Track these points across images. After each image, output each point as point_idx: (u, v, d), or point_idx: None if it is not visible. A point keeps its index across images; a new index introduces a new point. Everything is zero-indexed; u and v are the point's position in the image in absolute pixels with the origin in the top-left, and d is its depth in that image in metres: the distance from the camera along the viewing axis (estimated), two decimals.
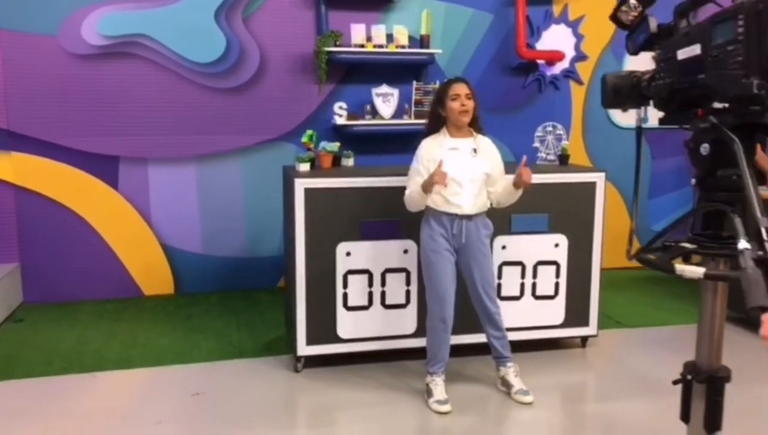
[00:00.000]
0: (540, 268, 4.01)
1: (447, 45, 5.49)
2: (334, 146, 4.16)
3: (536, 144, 4.38)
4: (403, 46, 5.23)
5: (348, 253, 3.76)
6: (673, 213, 5.93)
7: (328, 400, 3.54)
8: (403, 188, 3.43)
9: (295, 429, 3.37)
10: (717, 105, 1.54)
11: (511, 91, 5.69)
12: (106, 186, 5.10)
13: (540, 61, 5.70)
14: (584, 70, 5.83)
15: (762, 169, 4.12)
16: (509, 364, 3.57)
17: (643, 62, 1.98)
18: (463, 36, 5.57)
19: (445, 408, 3.36)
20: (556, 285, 4.05)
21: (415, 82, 5.23)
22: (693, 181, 1.67)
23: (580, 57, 5.80)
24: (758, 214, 1.34)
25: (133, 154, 5.11)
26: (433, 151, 3.37)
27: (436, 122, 3.45)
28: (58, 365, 3.91)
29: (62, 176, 5.00)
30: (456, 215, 3.36)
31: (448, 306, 3.42)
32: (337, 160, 4.18)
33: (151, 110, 5.07)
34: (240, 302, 5.13)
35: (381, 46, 5.17)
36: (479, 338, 3.74)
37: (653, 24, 1.72)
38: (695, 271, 1.50)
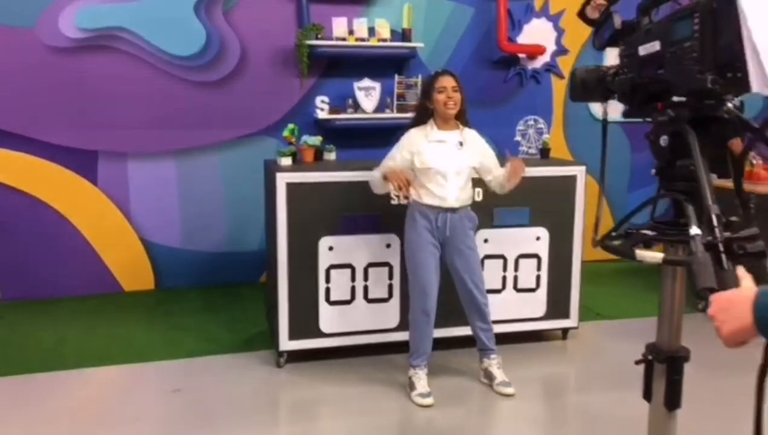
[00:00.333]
0: (521, 261, 4.03)
1: (429, 39, 5.49)
2: (316, 140, 4.14)
3: (518, 138, 4.40)
4: (384, 40, 5.22)
5: (330, 248, 3.75)
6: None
7: (310, 395, 3.53)
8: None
9: (278, 425, 3.36)
10: (676, 99, 1.59)
11: (492, 85, 5.70)
12: (84, 181, 5.03)
13: (521, 55, 5.72)
14: (565, 64, 5.85)
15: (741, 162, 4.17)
16: (493, 356, 3.59)
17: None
18: (445, 30, 5.57)
19: (428, 401, 3.37)
20: (538, 278, 4.07)
21: (397, 76, 5.23)
22: (653, 171, 1.74)
23: (560, 51, 5.82)
24: (709, 202, 1.40)
25: (112, 149, 5.04)
26: (416, 141, 3.38)
27: (423, 114, 3.46)
28: (36, 362, 3.85)
29: (40, 171, 4.92)
30: (440, 208, 3.37)
31: (430, 298, 3.43)
32: (319, 154, 4.17)
33: (131, 104, 5.01)
34: (221, 297, 5.10)
35: (363, 40, 5.16)
36: (461, 331, 3.75)
37: (617, 21, 1.78)
38: (654, 256, 1.57)
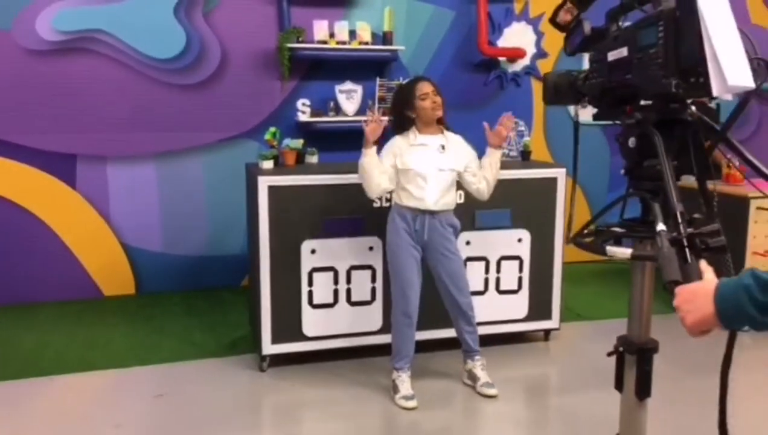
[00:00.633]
0: (503, 262, 4.06)
1: (409, 42, 5.50)
2: (298, 143, 4.13)
3: None
4: (366, 43, 5.22)
5: (313, 251, 3.75)
6: (632, 206, 6.04)
7: (293, 399, 3.52)
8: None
9: (261, 429, 3.35)
10: (643, 102, 1.67)
11: (473, 88, 5.73)
12: (63, 185, 4.97)
13: (501, 58, 5.76)
14: (545, 67, 5.89)
15: (717, 163, 4.25)
16: (477, 357, 3.61)
17: None
18: (425, 33, 5.59)
19: (411, 404, 3.38)
20: (520, 279, 4.10)
21: (378, 79, 5.23)
22: (622, 171, 1.82)
23: (540, 54, 5.87)
24: (674, 200, 1.47)
25: (91, 152, 4.99)
26: (399, 145, 3.42)
27: (403, 123, 3.46)
28: (16, 369, 3.80)
29: (17, 175, 4.86)
30: (418, 210, 3.38)
31: (411, 301, 3.44)
32: (300, 157, 4.16)
33: (110, 107, 4.96)
34: (203, 301, 5.07)
35: (344, 43, 5.16)
36: (444, 333, 3.77)
37: (587, 27, 1.85)
38: (623, 252, 1.66)
